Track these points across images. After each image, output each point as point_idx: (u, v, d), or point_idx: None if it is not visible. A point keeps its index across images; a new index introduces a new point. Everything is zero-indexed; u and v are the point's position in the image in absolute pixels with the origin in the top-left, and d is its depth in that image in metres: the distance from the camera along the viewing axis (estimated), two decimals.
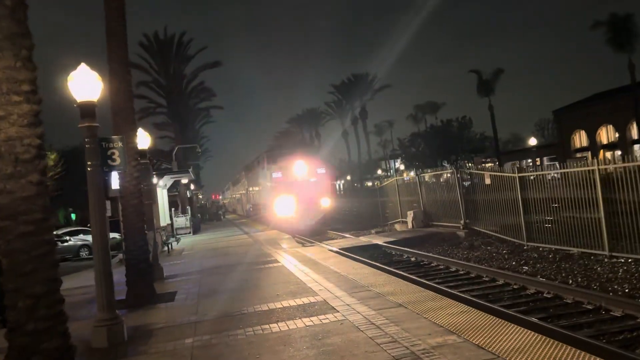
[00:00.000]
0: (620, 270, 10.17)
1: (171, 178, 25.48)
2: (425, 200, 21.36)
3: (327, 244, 18.49)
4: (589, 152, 49.53)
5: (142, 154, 12.74)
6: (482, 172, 17.35)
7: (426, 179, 21.75)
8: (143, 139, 12.85)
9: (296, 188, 24.97)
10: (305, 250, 15.56)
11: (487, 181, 16.85)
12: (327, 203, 25.72)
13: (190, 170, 24.17)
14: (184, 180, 32.29)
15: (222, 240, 22.61)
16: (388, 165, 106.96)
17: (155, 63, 38.66)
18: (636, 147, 44.39)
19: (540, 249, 13.87)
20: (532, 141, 36.31)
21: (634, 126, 44.46)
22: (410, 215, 21.73)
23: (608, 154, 47.81)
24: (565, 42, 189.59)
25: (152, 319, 8.33)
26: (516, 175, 15.07)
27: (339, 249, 16.96)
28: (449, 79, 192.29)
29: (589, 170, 12.12)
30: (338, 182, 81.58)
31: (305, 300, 8.14)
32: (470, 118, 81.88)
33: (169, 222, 27.65)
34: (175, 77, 39.25)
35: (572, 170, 12.80)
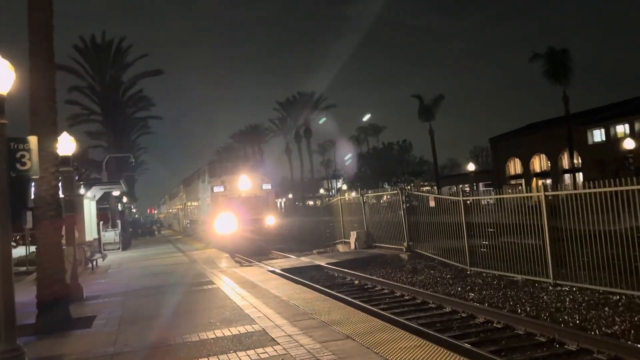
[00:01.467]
0: (567, 300, 9.99)
1: (100, 189, 23.78)
2: (368, 221, 20.96)
3: (267, 264, 17.61)
4: (523, 180, 51.53)
5: (65, 160, 11.51)
6: (427, 194, 17.13)
7: (370, 200, 21.39)
8: (66, 144, 11.60)
9: (239, 204, 23.42)
10: (244, 271, 14.62)
11: (432, 204, 16.63)
12: (272, 221, 24.15)
13: (121, 181, 22.51)
14: (115, 193, 30.37)
15: (153, 258, 21.16)
16: (330, 185, 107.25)
17: (91, 68, 36.61)
18: (567, 176, 46.52)
19: (484, 274, 13.66)
20: (470, 166, 37.20)
21: (565, 156, 46.62)
22: (353, 236, 21.24)
23: (540, 182, 49.91)
24: (505, 73, 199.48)
25: (63, 348, 7.21)
26: (461, 199, 14.90)
27: (281, 270, 16.13)
28: (391, 103, 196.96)
29: (535, 196, 12.03)
30: (280, 200, 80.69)
31: (242, 329, 7.30)
32: (410, 142, 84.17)
33: (97, 236, 25.80)
34: (111, 84, 37.31)
35: (518, 195, 12.71)
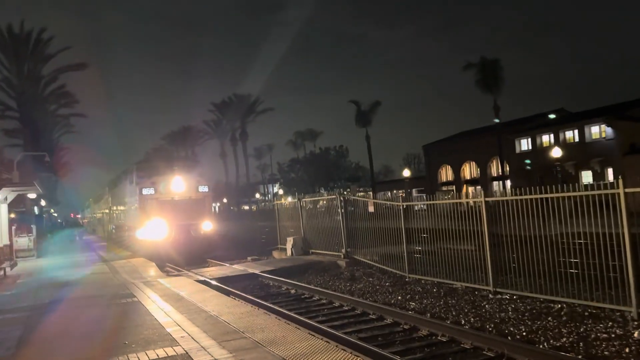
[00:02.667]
0: (510, 309, 9.72)
1: (12, 191, 21.56)
2: (305, 226, 20.28)
3: (198, 274, 16.48)
4: (454, 186, 52.87)
5: None
6: (366, 199, 16.68)
7: (307, 205, 20.71)
8: None
9: (172, 208, 21.09)
10: (171, 282, 13.47)
11: (371, 209, 16.20)
12: (209, 227, 21.79)
13: (35, 182, 20.48)
14: (31, 195, 27.98)
15: (70, 267, 19.36)
16: (266, 190, 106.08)
17: (7, 60, 33.69)
18: (495, 183, 48.11)
19: (423, 281, 13.33)
20: (406, 173, 37.53)
21: (494, 164, 48.26)
22: (289, 242, 20.47)
23: (471, 189, 51.39)
24: (437, 83, 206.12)
25: None
26: (401, 204, 14.52)
27: (211, 279, 15.10)
28: (328, 109, 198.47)
29: (475, 202, 11.79)
30: (214, 204, 78.50)
31: (161, 352, 6.34)
32: (347, 147, 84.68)
33: (7, 242, 23.47)
34: (30, 78, 34.50)
35: (459, 201, 12.45)
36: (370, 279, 14.44)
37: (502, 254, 11.24)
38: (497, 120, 37.73)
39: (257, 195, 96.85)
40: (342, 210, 17.53)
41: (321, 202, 20.33)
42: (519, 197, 10.73)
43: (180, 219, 20.96)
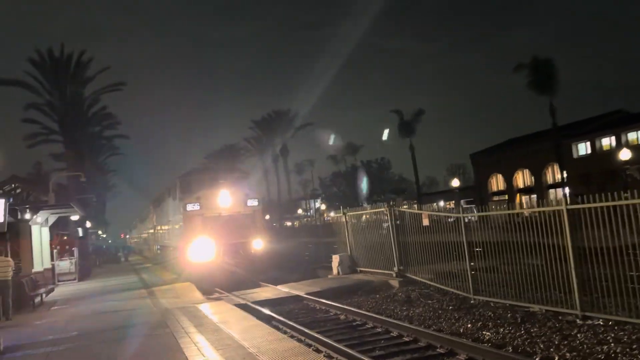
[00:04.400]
0: (610, 339, 7.95)
1: (51, 213, 21.12)
2: (352, 242, 18.82)
3: (239, 296, 15.28)
4: (506, 196, 50.19)
5: None
6: (420, 211, 15.10)
7: (353, 219, 19.25)
8: None
9: (219, 225, 19.00)
10: (211, 308, 12.32)
11: (425, 222, 14.62)
12: (259, 245, 19.49)
13: (73, 204, 19.89)
14: (74, 217, 27.67)
15: (108, 292, 18.60)
16: (308, 205, 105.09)
17: (49, 83, 34.00)
18: (551, 191, 45.27)
19: (492, 304, 11.61)
20: (455, 182, 35.51)
21: (549, 171, 45.47)
22: (335, 259, 19.05)
23: (524, 198, 48.62)
24: (480, 92, 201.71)
25: None
26: (461, 215, 12.89)
27: (254, 303, 13.87)
28: (368, 123, 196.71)
29: (554, 211, 10.06)
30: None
31: None
32: (388, 160, 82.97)
33: (49, 266, 23.06)
34: (72, 101, 34.71)
35: (535, 210, 10.73)
36: (429, 302, 12.80)
37: (591, 269, 9.49)
38: (551, 124, 35.24)
39: (300, 211, 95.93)
40: (392, 224, 15.99)
41: (366, 216, 18.79)
42: (610, 204, 8.97)
43: (228, 237, 18.95)
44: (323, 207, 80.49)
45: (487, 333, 9.21)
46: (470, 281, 12.58)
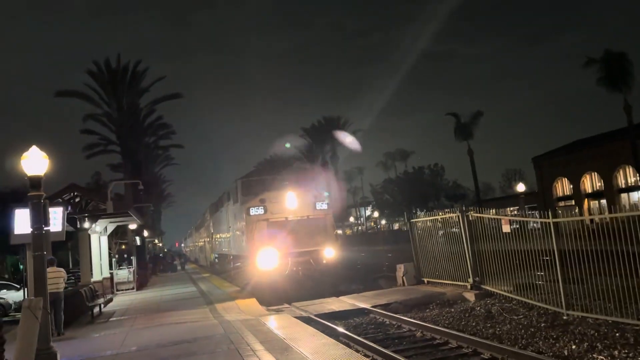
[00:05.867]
0: None
1: (110, 222, 21.04)
2: (418, 251, 17.58)
3: (299, 308, 14.38)
4: (573, 201, 47.25)
5: (34, 182, 8.74)
6: (498, 216, 13.72)
7: (419, 226, 18.01)
8: (35, 162, 8.79)
9: (286, 230, 17.12)
10: (275, 322, 11.44)
11: (506, 228, 13.23)
12: (331, 253, 17.43)
13: (130, 212, 19.67)
14: (132, 226, 27.75)
15: (167, 301, 18.17)
16: (358, 213, 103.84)
17: (106, 94, 34.60)
18: (623, 195, 42.18)
19: (590, 320, 10.18)
20: (520, 187, 33.39)
21: (621, 173, 42.40)
22: (400, 269, 17.89)
23: (594, 203, 45.58)
24: (535, 94, 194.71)
25: None
26: (550, 220, 11.48)
27: (317, 316, 12.93)
28: (419, 129, 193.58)
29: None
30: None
31: None
32: (442, 166, 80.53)
33: (107, 275, 23.04)
34: (128, 111, 35.17)
35: None
36: (515, 317, 11.44)
37: None
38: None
39: (351, 219, 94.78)
40: (466, 232, 14.67)
41: (436, 223, 17.47)
42: None
43: (296, 245, 17.05)
44: (375, 214, 78.99)
45: (600, 357, 7.85)
46: (562, 294, 11.16)
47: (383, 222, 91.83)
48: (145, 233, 38.79)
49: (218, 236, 29.71)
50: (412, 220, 17.86)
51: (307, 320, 12.24)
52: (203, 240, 45.09)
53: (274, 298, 15.84)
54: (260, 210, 17.44)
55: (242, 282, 19.40)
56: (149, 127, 38.64)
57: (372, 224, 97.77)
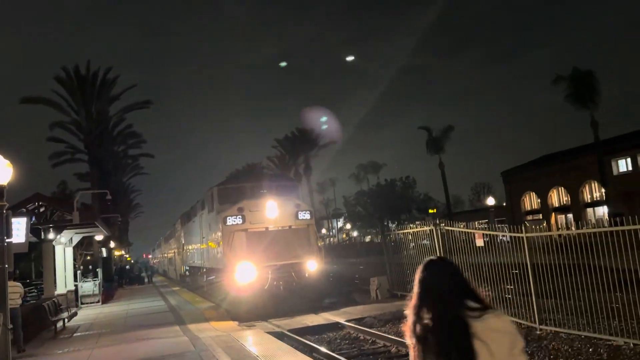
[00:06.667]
0: None
1: (75, 233, 20.35)
2: (391, 264, 17.55)
3: (272, 323, 14.08)
4: (540, 215, 48.25)
5: None
6: (472, 230, 13.79)
7: (392, 240, 17.99)
8: None
9: (265, 242, 15.93)
10: (246, 337, 11.14)
11: (479, 242, 13.29)
12: (314, 266, 16.23)
13: (97, 222, 19.07)
14: (98, 237, 26.97)
15: (134, 315, 17.60)
16: (330, 225, 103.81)
17: (74, 101, 33.72)
18: (589, 210, 43.27)
19: (563, 335, 10.23)
20: (490, 201, 33.97)
21: (587, 188, 43.53)
22: (373, 282, 17.80)
23: (560, 217, 46.63)
24: (503, 110, 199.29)
25: None
26: (524, 235, 11.57)
27: (290, 331, 12.67)
28: (390, 142, 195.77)
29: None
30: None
31: None
32: (413, 178, 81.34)
33: (72, 288, 22.24)
34: (97, 119, 34.36)
35: (625, 228, 9.35)
36: None
37: None
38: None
39: (323, 231, 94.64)
40: (440, 245, 14.69)
41: (409, 236, 17.46)
42: None
43: (277, 257, 15.88)
44: (347, 226, 79.06)
45: None
46: (535, 309, 11.23)
47: (355, 234, 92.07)
48: (112, 244, 37.81)
49: (190, 247, 27.74)
50: (385, 233, 17.81)
51: (280, 336, 11.99)
52: (173, 251, 43.89)
53: (252, 314, 14.90)
54: (238, 220, 16.15)
55: (216, 297, 18.34)
56: (118, 135, 37.84)
57: (345, 235, 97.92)
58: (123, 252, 63.58)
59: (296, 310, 15.42)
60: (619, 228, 9.47)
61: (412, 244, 16.75)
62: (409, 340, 2.29)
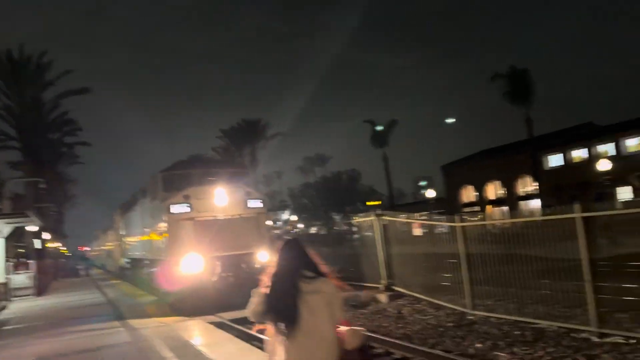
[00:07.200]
0: None
1: (6, 223, 19.39)
2: (334, 254, 17.86)
3: (218, 315, 14.03)
4: (478, 207, 50.24)
5: None
6: (411, 220, 14.28)
7: (337, 229, 18.29)
8: None
9: (214, 231, 15.03)
10: (187, 328, 11.09)
11: (417, 231, 13.79)
12: (265, 257, 14.99)
13: (30, 212, 18.23)
14: (32, 228, 25.79)
15: (69, 308, 17.07)
16: (276, 217, 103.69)
17: (7, 86, 31.93)
18: (522, 203, 45.46)
19: (493, 319, 10.83)
20: (430, 193, 35.05)
21: (521, 182, 45.69)
22: None
23: (496, 210, 48.72)
24: (447, 107, 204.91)
25: None
26: (458, 224, 12.10)
27: (230, 320, 12.70)
28: (337, 136, 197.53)
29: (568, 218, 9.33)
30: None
31: None
32: (359, 171, 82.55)
33: (3, 280, 21.25)
34: (31, 105, 32.70)
35: (546, 218, 9.96)
36: (425, 318, 11.93)
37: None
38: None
39: (269, 223, 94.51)
40: (381, 235, 15.11)
41: (350, 225, 17.85)
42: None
43: (225, 247, 15.04)
44: (293, 218, 79.29)
45: (502, 354, 8.36)
46: (467, 295, 11.80)
47: (301, 226, 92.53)
48: (47, 236, 36.22)
49: (130, 238, 25.92)
50: (329, 224, 18.07)
51: (220, 326, 11.98)
52: (112, 243, 42.39)
53: (197, 309, 14.08)
54: (184, 208, 15.27)
55: (159, 290, 17.45)
56: (53, 122, 36.16)
57: (290, 227, 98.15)
58: (59, 244, 61.03)
59: (246, 303, 14.84)
60: (534, 219, 10.15)
61: (356, 235, 17.14)
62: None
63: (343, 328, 3.29)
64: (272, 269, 3.33)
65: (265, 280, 3.32)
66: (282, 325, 3.19)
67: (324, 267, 3.36)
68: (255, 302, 3.32)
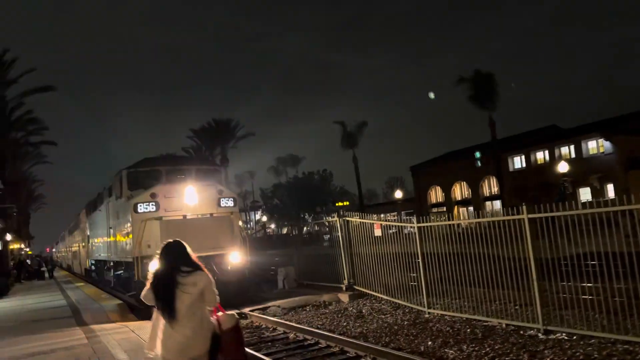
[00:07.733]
0: (579, 355, 7.56)
1: None
2: (299, 255, 18.02)
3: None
4: (445, 208, 51.10)
5: None
6: (371, 221, 14.51)
7: (300, 230, 18.44)
8: None
9: (183, 231, 13.30)
10: (138, 326, 11.03)
11: (377, 232, 14.04)
12: (237, 258, 14.81)
13: None
14: None
15: (28, 313, 16.74)
16: (248, 217, 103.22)
17: None
18: (487, 203, 46.43)
19: (447, 318, 11.15)
20: (398, 194, 35.63)
21: (486, 183, 46.65)
22: (281, 273, 18.17)
23: (462, 210, 49.67)
24: (416, 108, 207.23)
25: None
26: (415, 225, 12.38)
27: None
28: (309, 136, 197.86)
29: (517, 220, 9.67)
30: None
31: None
32: (330, 172, 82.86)
33: None
34: None
35: (498, 219, 10.30)
36: (383, 316, 12.18)
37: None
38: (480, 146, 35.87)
39: (240, 223, 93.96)
40: (344, 235, 15.32)
41: (316, 227, 18.04)
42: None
43: (195, 248, 13.80)
44: (264, 218, 79.06)
45: (450, 351, 8.62)
46: (424, 295, 12.10)
47: (272, 226, 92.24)
48: (9, 237, 35.30)
49: (96, 239, 24.98)
50: (293, 225, 18.21)
51: None
52: (77, 244, 41.31)
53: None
54: (151, 207, 14.56)
55: (123, 293, 17.02)
56: (17, 121, 35.32)
57: (261, 227, 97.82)
58: (22, 245, 59.49)
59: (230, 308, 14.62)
60: (493, 219, 10.49)
61: (327, 236, 17.27)
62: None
63: (219, 313, 4.14)
64: (156, 266, 4.12)
65: (150, 275, 4.08)
66: (163, 311, 3.91)
67: (199, 263, 4.21)
68: (145, 290, 4.07)
